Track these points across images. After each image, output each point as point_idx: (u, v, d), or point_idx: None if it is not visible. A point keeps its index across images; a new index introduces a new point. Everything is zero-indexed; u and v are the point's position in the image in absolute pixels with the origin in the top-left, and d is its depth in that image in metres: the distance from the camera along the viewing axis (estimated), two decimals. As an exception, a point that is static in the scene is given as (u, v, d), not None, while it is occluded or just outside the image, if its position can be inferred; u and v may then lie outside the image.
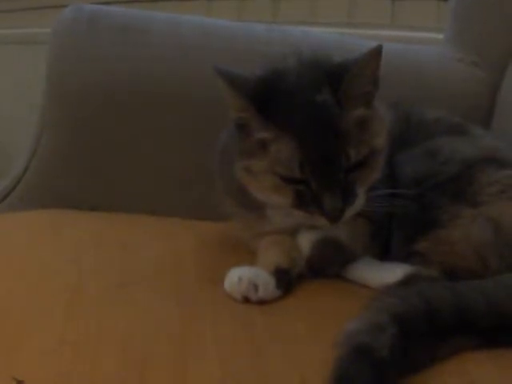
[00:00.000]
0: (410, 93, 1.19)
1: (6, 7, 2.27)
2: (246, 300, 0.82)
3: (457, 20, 1.32)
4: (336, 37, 1.36)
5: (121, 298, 0.83)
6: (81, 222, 1.10)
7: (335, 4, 1.80)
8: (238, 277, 0.83)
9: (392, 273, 0.87)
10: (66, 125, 1.20)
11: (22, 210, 1.15)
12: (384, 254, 0.92)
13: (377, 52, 0.85)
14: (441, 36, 1.38)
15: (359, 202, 0.86)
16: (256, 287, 0.82)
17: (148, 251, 0.97)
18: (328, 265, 0.90)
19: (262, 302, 0.83)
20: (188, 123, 1.19)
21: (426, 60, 1.30)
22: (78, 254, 0.95)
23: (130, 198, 1.20)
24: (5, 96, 2.31)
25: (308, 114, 0.84)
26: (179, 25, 1.24)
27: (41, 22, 1.98)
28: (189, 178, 1.19)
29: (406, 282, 0.84)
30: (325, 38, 1.32)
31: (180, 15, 1.29)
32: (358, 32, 1.69)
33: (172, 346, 0.73)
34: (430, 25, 1.67)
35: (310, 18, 1.83)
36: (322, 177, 0.84)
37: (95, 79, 1.18)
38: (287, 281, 0.86)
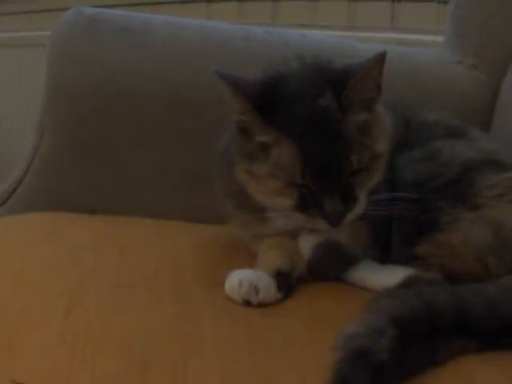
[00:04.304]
0: (409, 95, 1.18)
1: (6, 10, 2.27)
2: (247, 303, 0.82)
3: (456, 22, 1.32)
4: (335, 40, 1.36)
5: (120, 300, 0.83)
6: (80, 224, 1.11)
7: (335, 7, 1.80)
8: (238, 280, 0.83)
9: (392, 275, 0.87)
10: (66, 127, 1.19)
11: (22, 213, 1.15)
12: (384, 256, 0.92)
13: (381, 58, 0.85)
14: (440, 38, 1.38)
15: (360, 205, 0.86)
16: (257, 290, 0.82)
17: (147, 253, 0.97)
18: (329, 268, 0.90)
19: (262, 305, 0.83)
20: (188, 125, 1.19)
21: (426, 62, 1.30)
22: (78, 256, 0.95)
23: (130, 200, 1.20)
24: (5, 98, 2.31)
25: (310, 118, 0.84)
26: (179, 27, 1.24)
27: (41, 25, 1.98)
28: (188, 180, 1.19)
29: (406, 285, 0.84)
30: (324, 41, 1.31)
31: (180, 18, 1.29)
32: (358, 34, 1.69)
33: (172, 346, 0.73)
34: (429, 27, 1.67)
35: (309, 20, 1.83)
36: (322, 181, 0.84)
37: (95, 81, 1.18)
38: (288, 284, 0.86)
